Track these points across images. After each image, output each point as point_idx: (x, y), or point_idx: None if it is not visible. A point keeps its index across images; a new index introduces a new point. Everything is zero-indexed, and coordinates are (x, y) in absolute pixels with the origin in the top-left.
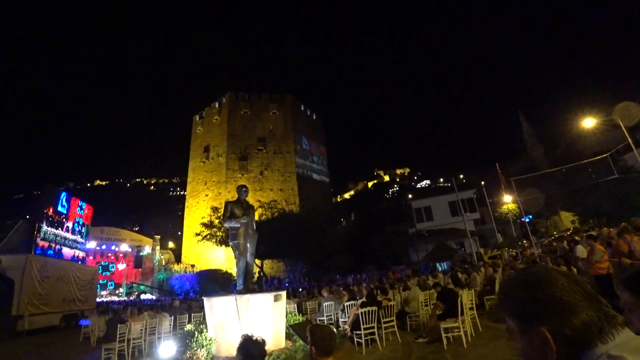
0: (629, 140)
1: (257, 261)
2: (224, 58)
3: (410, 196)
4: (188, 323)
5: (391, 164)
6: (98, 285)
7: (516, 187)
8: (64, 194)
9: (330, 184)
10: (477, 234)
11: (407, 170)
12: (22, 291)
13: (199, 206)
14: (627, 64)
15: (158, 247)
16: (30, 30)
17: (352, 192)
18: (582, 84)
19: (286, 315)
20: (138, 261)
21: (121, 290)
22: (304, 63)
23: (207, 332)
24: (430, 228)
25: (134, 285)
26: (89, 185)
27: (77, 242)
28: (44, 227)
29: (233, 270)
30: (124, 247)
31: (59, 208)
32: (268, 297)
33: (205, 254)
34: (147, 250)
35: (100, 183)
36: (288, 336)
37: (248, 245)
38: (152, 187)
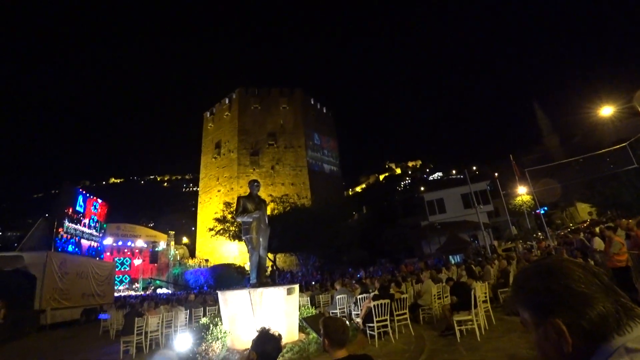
0: None
1: (270, 255)
2: (233, 54)
3: (422, 189)
4: (203, 316)
5: (403, 156)
6: (115, 281)
7: (531, 179)
8: (80, 196)
9: (342, 178)
10: (491, 226)
11: (419, 162)
12: (43, 287)
13: (212, 202)
14: None
15: (173, 243)
16: (44, 31)
17: (363, 186)
18: (599, 70)
19: (299, 308)
20: (153, 256)
21: (138, 285)
22: (313, 56)
23: (221, 325)
24: (442, 220)
25: (150, 280)
26: (104, 183)
27: (93, 236)
28: (66, 223)
29: (246, 265)
30: (140, 243)
31: (77, 207)
32: (281, 290)
33: (218, 248)
34: (162, 245)
35: (115, 181)
36: (301, 329)
37: (261, 239)
38: (166, 183)
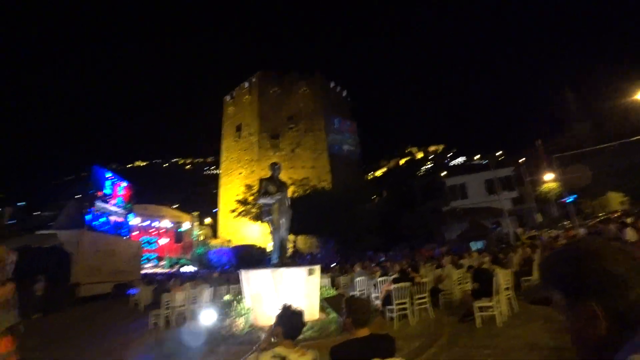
0: None
1: (291, 237)
2: (253, 38)
3: (444, 173)
4: (227, 294)
5: (425, 140)
6: (143, 259)
7: (559, 165)
8: (109, 181)
9: (362, 161)
10: (515, 213)
11: (442, 146)
12: (77, 263)
13: (233, 184)
14: None
15: (196, 223)
16: (65, 21)
17: (384, 169)
18: (634, 52)
19: (320, 289)
20: (178, 236)
21: (164, 263)
22: (332, 39)
23: (244, 302)
24: (464, 206)
25: (175, 258)
26: (129, 166)
27: (120, 215)
28: (96, 203)
29: (267, 246)
30: (165, 223)
31: (105, 189)
32: (302, 270)
33: (240, 229)
34: (186, 226)
35: (140, 164)
36: (322, 309)
37: (282, 220)
38: (188, 166)
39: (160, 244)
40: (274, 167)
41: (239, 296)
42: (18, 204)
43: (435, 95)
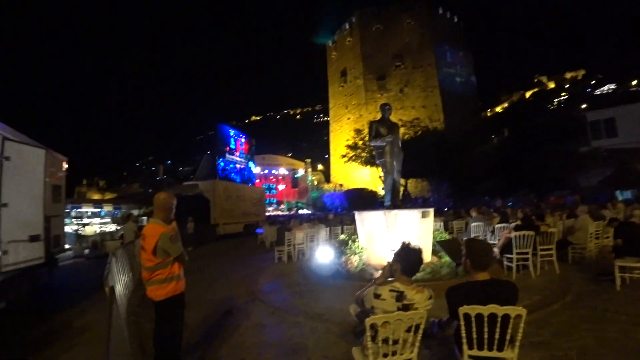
0: None
1: (402, 180)
2: None
3: (584, 106)
4: (341, 234)
5: (558, 67)
6: (266, 203)
7: None
8: (232, 137)
9: (478, 97)
10: None
11: (581, 72)
12: (214, 207)
13: (342, 130)
14: None
15: (310, 170)
16: None
17: (504, 105)
18: None
19: (432, 232)
20: (294, 182)
21: (283, 206)
22: None
23: (358, 241)
24: (612, 146)
25: (293, 202)
26: (246, 121)
27: (244, 165)
28: (225, 156)
29: (378, 189)
30: (282, 171)
31: (230, 144)
32: (415, 212)
33: (351, 173)
34: (300, 172)
35: (255, 118)
36: (434, 252)
37: (395, 162)
38: (299, 116)
39: (279, 190)
40: (384, 108)
41: (354, 236)
42: (167, 162)
43: (570, 5)
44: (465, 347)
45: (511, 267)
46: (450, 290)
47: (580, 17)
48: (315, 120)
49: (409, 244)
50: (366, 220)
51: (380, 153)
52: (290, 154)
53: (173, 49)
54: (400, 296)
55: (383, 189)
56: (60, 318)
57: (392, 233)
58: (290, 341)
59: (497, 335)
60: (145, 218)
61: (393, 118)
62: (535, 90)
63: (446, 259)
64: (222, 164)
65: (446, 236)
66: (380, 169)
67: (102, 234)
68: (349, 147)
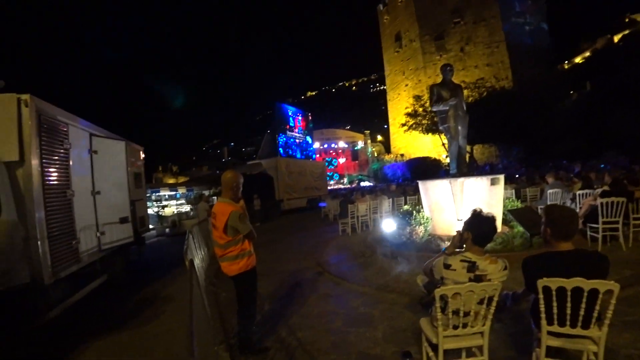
0: None
1: (467, 147)
2: None
3: None
4: (404, 204)
5: None
6: (327, 177)
7: None
8: (290, 114)
9: (553, 48)
10: None
11: None
12: (278, 183)
13: (400, 97)
14: None
15: (369, 141)
16: None
17: (586, 54)
18: None
19: (503, 200)
20: (354, 155)
21: (344, 179)
22: None
23: (423, 212)
24: None
25: (354, 175)
26: (302, 97)
27: (303, 140)
28: (287, 133)
29: (441, 157)
30: (341, 144)
31: (289, 122)
32: (484, 180)
33: (412, 143)
34: (360, 144)
35: (311, 93)
36: (505, 222)
37: (459, 127)
38: (354, 87)
39: (340, 163)
40: (445, 69)
41: (418, 206)
42: (230, 144)
43: None
44: (543, 322)
45: (596, 238)
46: (527, 260)
47: None
48: (371, 90)
49: (480, 211)
50: (430, 190)
51: (443, 118)
52: (348, 127)
53: (231, 36)
54: (472, 267)
55: (447, 156)
56: (150, 289)
57: (458, 202)
58: (356, 311)
59: (581, 312)
60: (215, 198)
61: (455, 80)
62: (626, 32)
63: (519, 229)
64: (283, 140)
65: (518, 205)
66: (443, 135)
67: (179, 214)
68: (408, 115)
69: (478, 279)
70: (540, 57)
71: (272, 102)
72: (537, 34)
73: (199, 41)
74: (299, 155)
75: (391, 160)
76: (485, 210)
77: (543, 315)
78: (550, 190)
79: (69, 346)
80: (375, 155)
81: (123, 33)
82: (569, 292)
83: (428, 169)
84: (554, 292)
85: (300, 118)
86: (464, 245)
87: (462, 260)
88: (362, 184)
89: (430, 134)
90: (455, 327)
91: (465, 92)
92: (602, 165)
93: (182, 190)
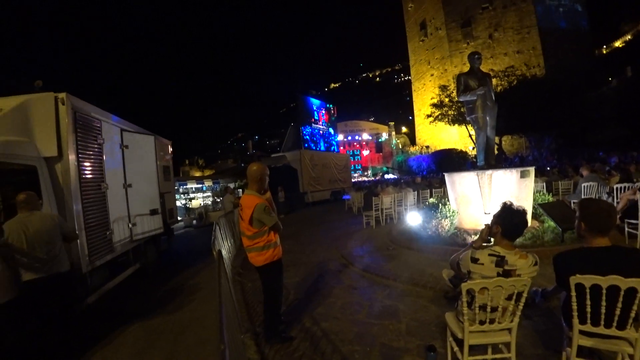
0: None
1: (496, 138)
2: None
3: None
4: (430, 197)
5: None
6: (351, 169)
7: None
8: (314, 107)
9: (590, 32)
10: None
11: None
12: (302, 176)
13: (426, 87)
14: None
15: (393, 133)
16: None
17: (627, 37)
18: None
19: (533, 194)
20: (378, 147)
21: (369, 172)
22: None
23: (449, 205)
24: None
25: (379, 167)
26: (326, 89)
27: (327, 133)
28: (308, 127)
29: (468, 149)
30: (365, 136)
31: (313, 115)
32: (513, 173)
33: (438, 134)
34: (384, 136)
35: (334, 85)
36: (535, 216)
37: (487, 118)
38: (378, 78)
39: (364, 155)
40: (473, 57)
41: (444, 199)
42: (255, 137)
43: None
44: (575, 320)
45: (635, 235)
46: (559, 256)
47: None
48: (395, 80)
49: (511, 204)
50: (457, 183)
51: (471, 108)
52: (372, 119)
53: (255, 29)
54: (500, 261)
55: (474, 148)
56: (179, 278)
57: (486, 196)
58: (381, 303)
59: (617, 312)
60: (240, 190)
61: (483, 68)
62: None
63: (550, 223)
64: (308, 130)
65: (550, 198)
66: (470, 126)
67: (206, 206)
68: (434, 105)
69: (507, 274)
70: (576, 42)
71: (296, 94)
72: (573, 17)
73: (224, 33)
74: (322, 147)
75: (416, 152)
76: (515, 203)
77: (575, 314)
78: (584, 184)
79: (105, 330)
80: (400, 147)
81: (150, 28)
82: (604, 290)
83: (454, 161)
84: (587, 290)
85: (323, 112)
86: (492, 239)
87: (490, 255)
88: (387, 176)
89: (456, 125)
90: (482, 323)
91: (494, 81)
92: (613, 160)
93: (208, 183)
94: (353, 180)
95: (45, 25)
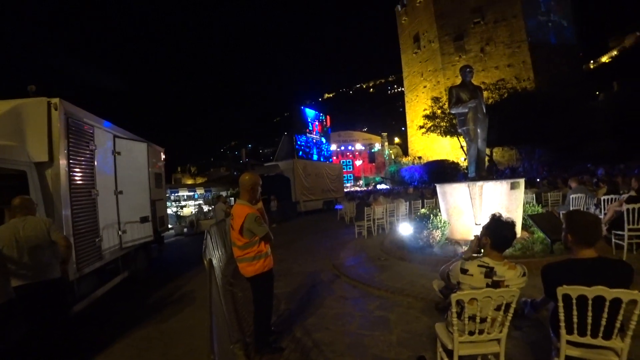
0: None
1: (487, 149)
2: None
3: None
4: (422, 208)
5: None
6: (344, 179)
7: None
8: (308, 117)
9: (579, 47)
10: None
11: None
12: (295, 185)
13: (419, 99)
14: None
15: (386, 143)
16: None
17: (613, 53)
18: None
19: (523, 205)
20: (371, 157)
21: (361, 182)
22: None
23: (440, 215)
24: None
25: (371, 177)
26: (320, 99)
27: (320, 143)
28: (301, 136)
29: (460, 160)
30: (358, 146)
31: (306, 125)
32: (503, 184)
33: (430, 145)
34: (377, 147)
35: (329, 95)
36: (525, 227)
37: (479, 130)
38: (371, 89)
39: (356, 165)
40: (465, 70)
41: (435, 210)
42: (248, 145)
43: None
44: (563, 331)
45: (621, 246)
46: (547, 267)
47: None
48: (389, 92)
49: (500, 216)
50: (448, 194)
51: (462, 120)
52: (365, 129)
53: (250, 38)
54: (489, 272)
55: (466, 159)
56: (169, 287)
57: (477, 206)
58: (372, 314)
59: (603, 322)
60: (232, 199)
61: (475, 81)
62: None
63: (539, 234)
64: (303, 139)
65: (539, 209)
66: (462, 138)
67: (197, 214)
68: (426, 117)
69: (496, 284)
70: (565, 57)
71: (291, 104)
72: (562, 33)
73: (219, 41)
74: (315, 157)
75: (408, 163)
76: (505, 215)
77: (562, 324)
78: (573, 195)
79: (93, 339)
80: (393, 157)
81: (144, 34)
82: (590, 301)
83: (446, 172)
84: (574, 301)
85: (317, 123)
86: (482, 250)
87: (479, 266)
88: (379, 186)
89: (448, 137)
90: (471, 333)
91: (485, 93)
92: (600, 172)
93: (200, 191)
94: (345, 190)
95: (44, 26)
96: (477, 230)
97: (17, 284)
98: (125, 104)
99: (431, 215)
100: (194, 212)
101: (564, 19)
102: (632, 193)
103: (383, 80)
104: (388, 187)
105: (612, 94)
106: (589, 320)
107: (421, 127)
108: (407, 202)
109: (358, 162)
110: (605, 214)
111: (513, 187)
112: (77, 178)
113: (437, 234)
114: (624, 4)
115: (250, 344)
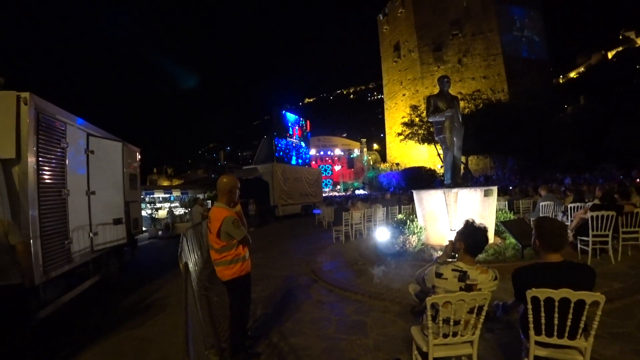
0: None
1: (462, 158)
2: None
3: None
4: (399, 213)
5: None
6: (323, 184)
7: None
8: (288, 121)
9: (550, 62)
10: None
11: None
12: (273, 189)
13: (398, 107)
14: None
15: (365, 149)
16: None
17: (581, 69)
18: None
19: (496, 212)
20: (350, 162)
21: (339, 187)
22: None
23: (417, 221)
24: None
25: (349, 182)
26: (300, 104)
27: (300, 148)
28: (281, 140)
29: (436, 167)
30: (337, 152)
31: (287, 129)
32: (477, 191)
33: (408, 152)
34: (356, 152)
35: (309, 100)
36: (497, 233)
37: (455, 139)
38: (352, 95)
39: (335, 171)
40: (442, 81)
41: (412, 216)
42: (227, 148)
43: None
44: (532, 332)
45: (586, 251)
46: (517, 271)
47: None
48: (369, 98)
49: (473, 222)
50: (425, 200)
51: (440, 129)
52: (345, 135)
53: (231, 41)
54: (463, 276)
55: (442, 167)
56: (143, 291)
57: (452, 213)
58: (349, 318)
59: (569, 322)
60: (209, 201)
61: (452, 91)
62: (620, 49)
63: (511, 240)
64: (283, 143)
65: (511, 216)
66: (439, 145)
67: (173, 216)
68: (405, 124)
69: (468, 288)
70: (537, 71)
71: (272, 108)
72: (534, 49)
73: (199, 43)
74: (294, 161)
75: (387, 169)
76: (478, 221)
77: (531, 326)
78: (542, 203)
79: (60, 347)
80: (371, 163)
81: (122, 31)
82: (557, 303)
83: (423, 178)
84: (542, 303)
85: (297, 127)
86: (456, 255)
87: (453, 270)
88: (357, 192)
89: (426, 144)
90: (446, 336)
91: (462, 103)
92: (567, 180)
93: (176, 193)
94: (324, 195)
95: (24, 24)
96: (452, 236)
97: None
98: (100, 101)
99: (408, 221)
100: (169, 215)
101: (537, 35)
102: (596, 201)
103: (363, 87)
104: (366, 192)
105: (579, 108)
106: (556, 321)
107: (399, 134)
108: (385, 208)
109: (337, 167)
110: (571, 221)
111: (487, 194)
112: (46, 177)
113: (414, 239)
114: (592, 24)
115: (225, 349)
